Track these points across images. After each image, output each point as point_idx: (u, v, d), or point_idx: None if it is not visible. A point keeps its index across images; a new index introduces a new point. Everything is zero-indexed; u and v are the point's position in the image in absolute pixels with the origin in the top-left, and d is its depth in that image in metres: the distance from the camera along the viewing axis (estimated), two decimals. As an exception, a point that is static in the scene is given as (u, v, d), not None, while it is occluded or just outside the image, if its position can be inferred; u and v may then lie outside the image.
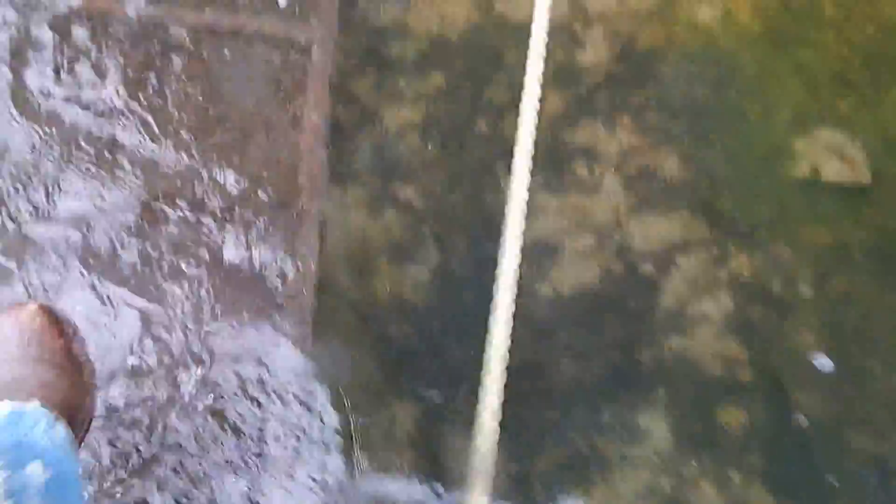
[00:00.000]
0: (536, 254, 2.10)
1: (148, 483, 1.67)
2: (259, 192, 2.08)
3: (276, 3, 2.31)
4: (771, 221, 2.22)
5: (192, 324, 1.88)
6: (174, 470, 1.69)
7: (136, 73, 2.17)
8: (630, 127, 2.33)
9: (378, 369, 1.95)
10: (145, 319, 1.87)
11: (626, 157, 2.28)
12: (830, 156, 2.32)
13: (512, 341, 1.93)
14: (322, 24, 2.31)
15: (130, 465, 1.70)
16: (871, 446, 1.91)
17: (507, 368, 1.90)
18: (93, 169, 2.05)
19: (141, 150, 2.09)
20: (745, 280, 2.10)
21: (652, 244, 2.15)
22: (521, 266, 2.05)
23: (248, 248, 2.01)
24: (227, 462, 1.72)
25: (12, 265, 1.90)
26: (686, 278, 2.09)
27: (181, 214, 2.02)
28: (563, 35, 2.47)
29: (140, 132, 2.12)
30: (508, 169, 2.18)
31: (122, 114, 2.13)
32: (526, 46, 2.40)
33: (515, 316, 1.97)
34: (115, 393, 1.75)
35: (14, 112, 2.09)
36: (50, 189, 2.02)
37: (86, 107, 2.13)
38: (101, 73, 2.16)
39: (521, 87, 2.32)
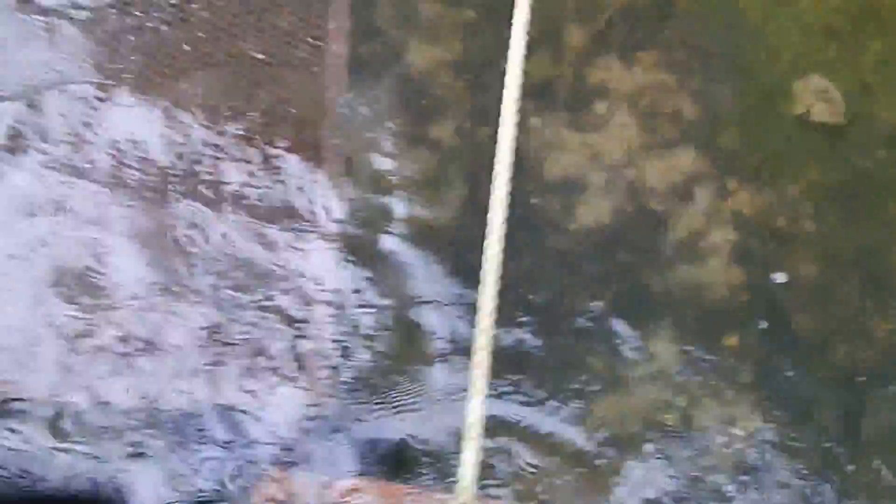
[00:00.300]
0: (559, 190, 2.22)
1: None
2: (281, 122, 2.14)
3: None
4: (771, 158, 2.38)
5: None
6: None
7: None
8: (646, 64, 2.42)
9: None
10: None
11: (641, 95, 2.38)
12: (818, 98, 2.50)
13: (532, 274, 2.09)
14: None
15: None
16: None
17: (529, 295, 2.05)
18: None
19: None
20: (747, 214, 2.26)
21: (662, 180, 2.28)
22: (543, 202, 2.19)
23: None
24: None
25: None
26: (694, 213, 2.25)
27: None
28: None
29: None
30: (533, 106, 2.26)
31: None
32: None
33: (539, 252, 2.12)
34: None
35: None
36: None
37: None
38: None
39: (549, 22, 2.37)
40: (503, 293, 1.99)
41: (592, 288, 2.13)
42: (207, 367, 1.83)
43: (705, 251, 2.20)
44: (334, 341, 1.95)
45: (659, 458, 1.95)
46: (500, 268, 1.49)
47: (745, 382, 2.05)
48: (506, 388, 1.95)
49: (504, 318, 1.94)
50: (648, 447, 1.95)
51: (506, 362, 1.94)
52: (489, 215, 1.57)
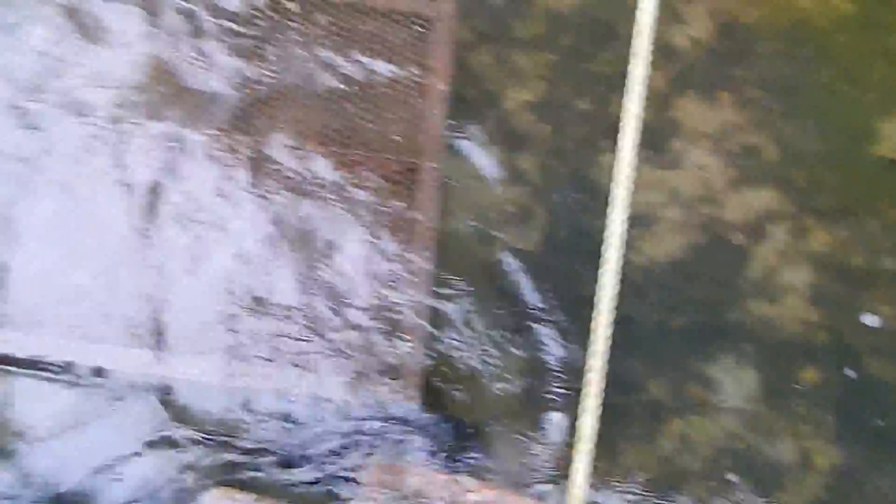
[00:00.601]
0: (638, 221, 2.25)
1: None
2: (384, 152, 2.30)
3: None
4: (853, 197, 2.39)
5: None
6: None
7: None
8: (728, 102, 2.49)
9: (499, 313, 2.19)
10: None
11: (723, 133, 2.44)
12: (909, 139, 2.48)
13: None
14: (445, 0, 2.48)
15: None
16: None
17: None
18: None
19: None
20: (826, 252, 2.29)
21: (741, 217, 2.33)
22: (624, 231, 2.27)
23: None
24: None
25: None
26: (772, 249, 2.29)
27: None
28: (668, 12, 2.62)
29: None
30: (615, 143, 2.36)
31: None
32: (633, 23, 2.56)
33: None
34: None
35: None
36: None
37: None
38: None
39: (627, 60, 2.48)
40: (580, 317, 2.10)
41: (667, 317, 2.20)
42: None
43: (782, 288, 2.23)
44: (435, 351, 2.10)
45: (731, 488, 1.99)
46: (614, 299, 1.59)
47: (818, 418, 2.07)
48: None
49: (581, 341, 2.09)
50: (719, 476, 2.01)
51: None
52: (603, 247, 1.78)
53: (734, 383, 2.13)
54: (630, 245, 2.22)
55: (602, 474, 1.98)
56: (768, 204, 2.35)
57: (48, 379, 1.97)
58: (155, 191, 2.17)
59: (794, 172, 2.40)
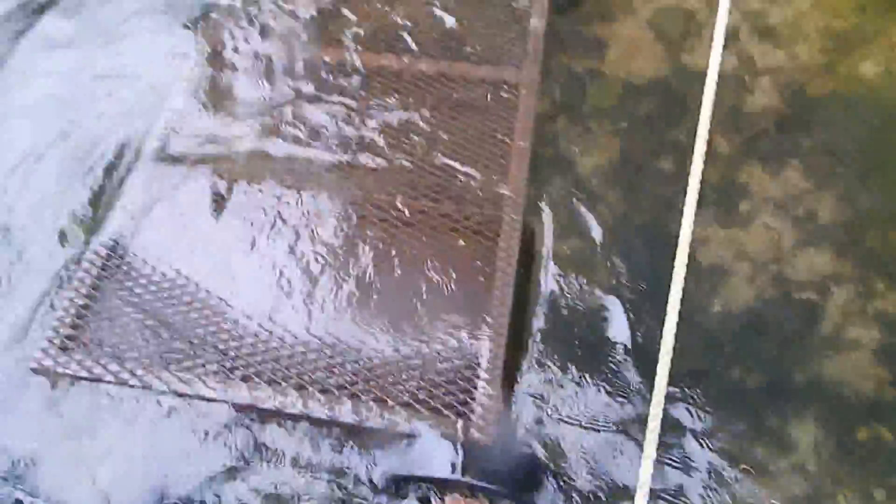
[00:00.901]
0: (707, 277, 2.46)
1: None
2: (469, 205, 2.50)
3: (492, 54, 2.80)
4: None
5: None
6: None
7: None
8: (790, 169, 2.66)
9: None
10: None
11: (789, 196, 2.60)
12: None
13: (681, 350, 2.20)
14: (528, 69, 2.77)
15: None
16: None
17: (677, 373, 2.17)
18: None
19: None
20: (893, 314, 2.37)
21: (809, 276, 2.46)
22: (693, 286, 2.36)
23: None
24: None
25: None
26: (839, 308, 2.39)
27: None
28: (736, 83, 2.84)
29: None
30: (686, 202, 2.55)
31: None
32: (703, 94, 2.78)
33: (686, 329, 2.26)
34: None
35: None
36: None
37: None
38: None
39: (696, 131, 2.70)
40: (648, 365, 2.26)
41: (734, 369, 2.31)
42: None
43: (848, 346, 2.33)
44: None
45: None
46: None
47: (886, 475, 2.12)
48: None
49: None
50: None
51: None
52: (670, 298, 1.90)
53: (802, 439, 2.19)
54: (705, 298, 2.43)
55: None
56: (836, 265, 2.47)
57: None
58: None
59: (861, 234, 2.53)
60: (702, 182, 2.60)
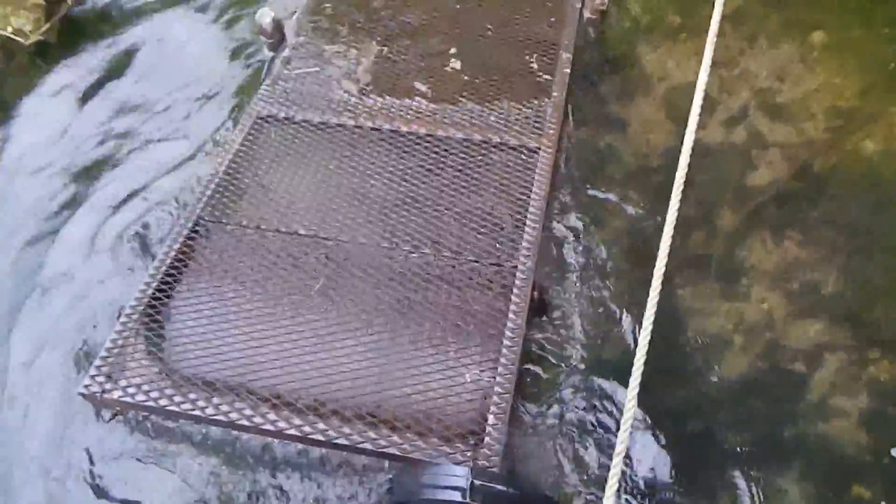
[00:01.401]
0: (709, 346, 2.59)
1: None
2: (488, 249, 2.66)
3: (514, 121, 3.01)
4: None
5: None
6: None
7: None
8: (793, 241, 2.78)
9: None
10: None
11: (789, 268, 2.72)
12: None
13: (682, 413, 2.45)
14: (548, 135, 2.95)
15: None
16: None
17: (679, 432, 2.41)
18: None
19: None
20: (884, 381, 2.46)
21: (802, 345, 2.56)
22: (691, 355, 2.56)
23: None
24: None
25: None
26: (830, 376, 2.49)
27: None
28: (743, 158, 3.01)
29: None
30: (687, 277, 2.71)
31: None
32: (712, 167, 2.96)
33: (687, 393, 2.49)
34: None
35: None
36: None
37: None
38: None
39: (706, 205, 2.87)
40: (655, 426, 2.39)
41: (729, 431, 2.43)
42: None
43: (837, 412, 2.43)
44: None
45: None
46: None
47: None
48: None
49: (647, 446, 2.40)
50: None
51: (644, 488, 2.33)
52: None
53: (792, 498, 2.30)
54: (707, 365, 2.56)
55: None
56: (831, 335, 2.57)
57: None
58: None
59: (859, 305, 2.63)
60: (705, 255, 2.81)
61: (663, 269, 2.26)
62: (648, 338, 2.12)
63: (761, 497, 2.31)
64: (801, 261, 2.75)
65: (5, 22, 3.78)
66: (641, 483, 2.35)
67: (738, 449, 2.39)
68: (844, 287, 2.68)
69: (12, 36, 3.76)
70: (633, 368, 2.04)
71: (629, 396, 1.98)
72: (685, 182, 2.93)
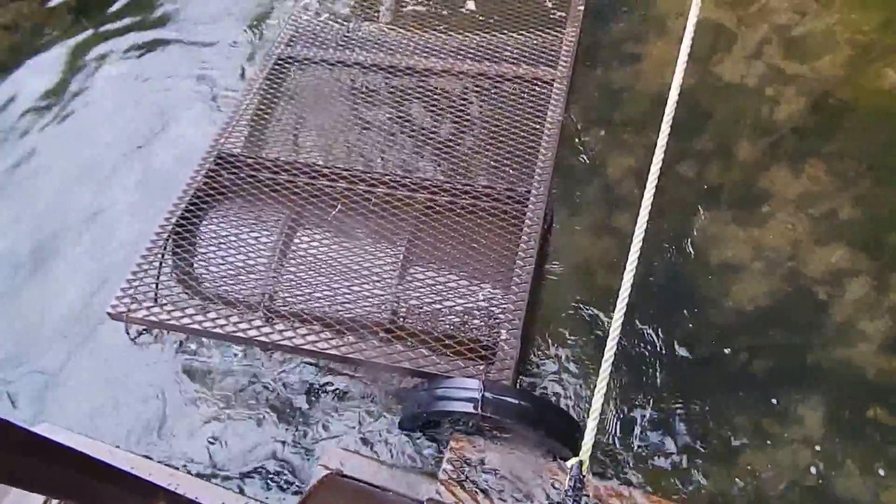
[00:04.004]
0: (724, 272, 2.54)
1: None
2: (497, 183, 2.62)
3: (529, 55, 2.98)
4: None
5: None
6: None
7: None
8: (811, 172, 2.71)
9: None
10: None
11: (806, 199, 2.66)
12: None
13: (690, 341, 2.39)
14: (562, 68, 2.91)
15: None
16: None
17: (692, 359, 2.37)
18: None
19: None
20: None
21: (821, 271, 2.50)
22: (707, 281, 2.52)
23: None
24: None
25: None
26: (852, 301, 2.43)
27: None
28: (761, 93, 2.93)
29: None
30: (708, 206, 2.67)
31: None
32: (730, 102, 2.91)
33: (697, 322, 2.43)
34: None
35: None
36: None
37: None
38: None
39: (724, 137, 2.81)
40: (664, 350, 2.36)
41: (748, 357, 2.38)
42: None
43: (859, 337, 2.37)
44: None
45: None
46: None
47: (889, 455, 2.15)
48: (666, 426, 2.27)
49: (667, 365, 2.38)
50: None
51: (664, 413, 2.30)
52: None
53: (809, 420, 2.25)
54: (721, 291, 2.51)
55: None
56: (852, 261, 2.52)
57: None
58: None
59: (877, 233, 2.56)
60: (722, 184, 2.75)
61: (653, 192, 2.22)
62: (637, 254, 2.06)
63: (780, 421, 2.25)
64: (819, 190, 2.67)
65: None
66: (646, 408, 2.31)
67: (756, 374, 2.34)
68: (863, 216, 2.61)
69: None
70: (622, 285, 1.99)
71: (616, 318, 1.92)
72: (702, 114, 2.93)
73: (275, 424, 2.38)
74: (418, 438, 2.30)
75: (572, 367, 2.41)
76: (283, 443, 2.35)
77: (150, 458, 2.33)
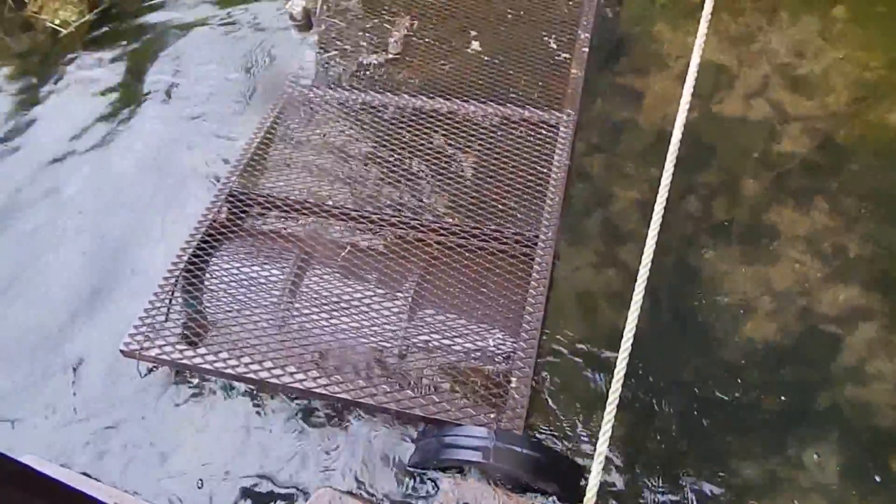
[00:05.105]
0: (733, 310, 2.51)
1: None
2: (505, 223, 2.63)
3: (535, 97, 3.01)
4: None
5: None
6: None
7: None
8: (818, 209, 2.71)
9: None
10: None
11: (813, 236, 2.64)
12: None
13: (700, 379, 2.35)
14: (568, 111, 2.94)
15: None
16: None
17: (701, 398, 2.32)
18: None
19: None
20: None
21: (833, 309, 2.48)
22: (715, 319, 2.49)
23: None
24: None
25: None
26: (864, 340, 2.40)
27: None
28: (766, 129, 2.95)
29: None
30: (711, 241, 2.66)
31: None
32: (733, 138, 2.91)
33: (707, 360, 2.39)
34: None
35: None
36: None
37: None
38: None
39: (729, 173, 2.80)
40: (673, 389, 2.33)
41: (760, 397, 2.33)
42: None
43: (874, 377, 2.32)
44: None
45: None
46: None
47: None
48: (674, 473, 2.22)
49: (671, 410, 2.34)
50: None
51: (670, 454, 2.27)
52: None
53: (823, 466, 2.19)
54: (731, 329, 2.48)
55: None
56: (861, 299, 2.49)
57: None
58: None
59: (888, 271, 2.54)
60: (729, 220, 2.74)
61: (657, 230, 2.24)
62: (642, 292, 2.07)
63: (794, 466, 2.20)
64: (826, 227, 2.66)
65: (54, 14, 3.95)
66: (654, 449, 2.27)
67: (768, 415, 2.29)
68: (872, 254, 2.59)
69: (58, 27, 3.94)
70: (625, 329, 2.00)
71: (620, 358, 1.92)
72: (706, 149, 2.95)
73: (268, 460, 2.37)
74: (413, 478, 2.28)
75: (577, 406, 2.38)
76: (274, 481, 2.33)
77: (138, 495, 2.31)
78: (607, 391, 2.16)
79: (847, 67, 3.08)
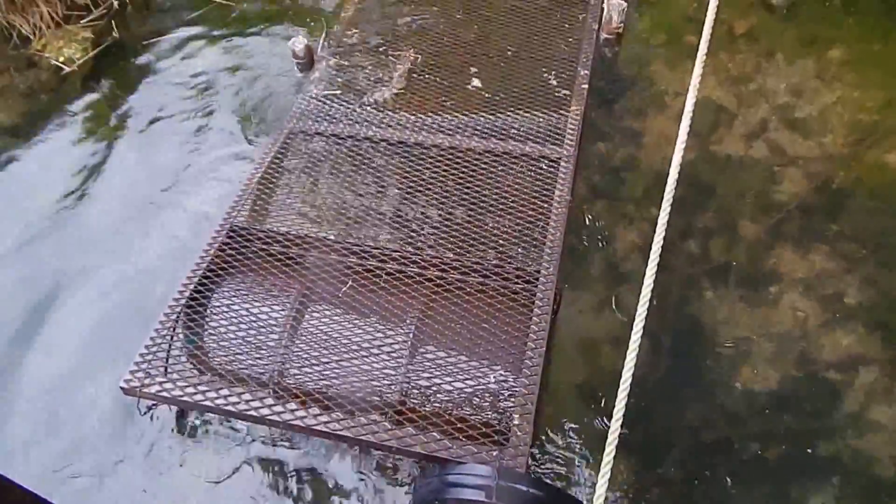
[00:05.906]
0: (733, 354, 2.51)
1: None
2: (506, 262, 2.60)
3: (535, 133, 3.04)
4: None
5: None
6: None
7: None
8: (817, 253, 2.73)
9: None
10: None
11: (813, 280, 2.65)
12: None
13: (700, 424, 2.35)
14: (568, 146, 2.94)
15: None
16: None
17: (702, 444, 2.31)
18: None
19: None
20: None
21: (834, 355, 2.48)
22: (716, 363, 2.49)
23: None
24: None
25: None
26: (865, 387, 2.40)
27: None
28: (764, 171, 2.98)
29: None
30: (713, 284, 2.67)
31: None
32: (732, 179, 2.95)
33: (707, 405, 2.39)
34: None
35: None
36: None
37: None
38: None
39: (728, 215, 2.82)
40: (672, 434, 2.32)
41: (760, 444, 2.33)
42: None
43: (875, 426, 2.32)
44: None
45: None
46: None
47: None
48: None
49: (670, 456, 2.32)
50: None
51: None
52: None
53: None
54: (731, 374, 2.48)
55: None
56: (861, 346, 2.50)
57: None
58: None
59: (888, 317, 2.55)
60: (728, 263, 2.75)
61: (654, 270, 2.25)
62: (640, 332, 2.07)
63: None
64: (825, 271, 2.67)
65: (58, 52, 4.00)
66: (658, 494, 2.27)
67: (768, 462, 2.29)
68: (871, 299, 2.60)
69: (62, 64, 3.98)
70: (623, 371, 1.99)
71: (619, 398, 1.90)
72: (704, 192, 2.99)
73: (265, 500, 2.37)
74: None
75: (577, 447, 2.37)
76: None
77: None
78: (606, 431, 2.18)
79: (844, 109, 3.13)
